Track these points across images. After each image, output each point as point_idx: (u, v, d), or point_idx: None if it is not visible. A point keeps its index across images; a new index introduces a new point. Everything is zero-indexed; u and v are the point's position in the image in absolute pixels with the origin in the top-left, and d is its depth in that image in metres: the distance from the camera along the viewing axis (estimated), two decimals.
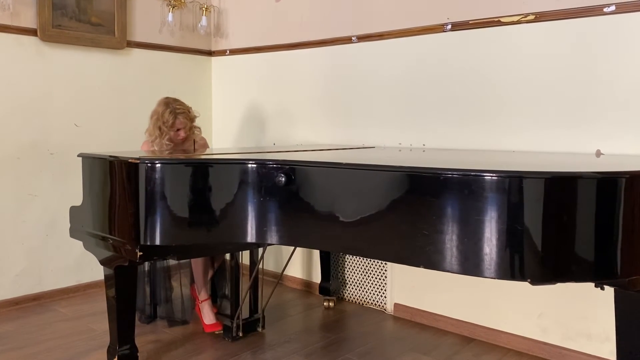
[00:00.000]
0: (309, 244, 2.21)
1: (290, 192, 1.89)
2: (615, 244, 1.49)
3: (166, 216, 2.01)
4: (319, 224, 1.85)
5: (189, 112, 2.83)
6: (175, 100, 2.82)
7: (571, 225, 1.48)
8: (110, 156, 2.17)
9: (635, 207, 1.52)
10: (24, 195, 3.23)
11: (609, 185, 1.50)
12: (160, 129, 2.75)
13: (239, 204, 1.96)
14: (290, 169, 1.88)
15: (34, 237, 3.28)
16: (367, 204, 1.73)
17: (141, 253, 2.04)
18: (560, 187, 1.49)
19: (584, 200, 1.48)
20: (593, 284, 1.75)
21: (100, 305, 3.15)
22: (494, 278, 1.53)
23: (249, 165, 1.96)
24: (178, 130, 2.79)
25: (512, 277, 1.52)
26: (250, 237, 1.95)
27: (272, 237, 1.92)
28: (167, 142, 2.77)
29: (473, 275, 1.55)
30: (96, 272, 3.39)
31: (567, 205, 1.48)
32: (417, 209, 1.63)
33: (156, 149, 2.78)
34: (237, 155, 2.46)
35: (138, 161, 2.01)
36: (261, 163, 1.96)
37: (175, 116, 2.75)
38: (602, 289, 1.76)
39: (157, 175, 1.99)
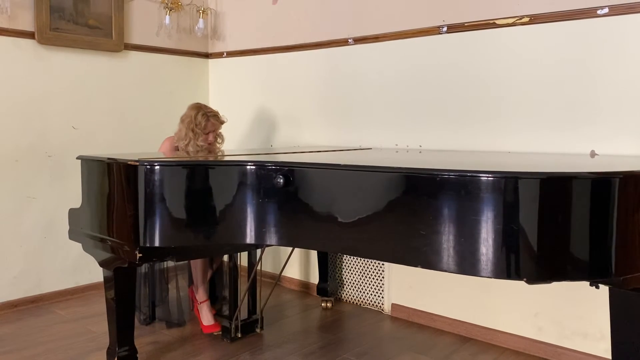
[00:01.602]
0: (307, 245, 2.22)
1: (289, 193, 1.90)
2: (609, 243, 1.51)
3: (165, 218, 2.03)
4: (318, 225, 1.87)
5: (219, 116, 2.95)
6: (206, 105, 2.96)
7: (566, 225, 1.50)
8: (110, 158, 2.18)
9: (629, 206, 1.54)
10: (22, 197, 3.23)
11: (603, 185, 1.52)
12: (193, 131, 2.85)
13: (238, 205, 1.97)
14: (289, 170, 1.90)
15: (32, 240, 3.28)
16: (365, 205, 1.75)
17: (140, 254, 2.06)
18: (556, 187, 1.51)
19: (579, 200, 1.50)
20: (588, 283, 1.78)
21: (98, 307, 3.16)
22: (491, 277, 1.55)
23: (248, 167, 1.98)
24: (208, 133, 2.89)
25: (508, 276, 1.54)
26: (250, 238, 1.96)
27: (271, 238, 1.94)
28: (201, 144, 2.86)
29: (470, 274, 1.57)
30: (94, 274, 3.40)
31: (562, 205, 1.50)
32: (414, 209, 1.65)
33: (191, 149, 2.86)
34: (235, 157, 2.48)
35: (137, 163, 2.02)
36: (260, 165, 1.98)
37: (207, 119, 2.87)
38: (597, 287, 1.79)
39: (156, 177, 2.01)
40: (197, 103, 2.96)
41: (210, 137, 2.91)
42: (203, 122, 2.85)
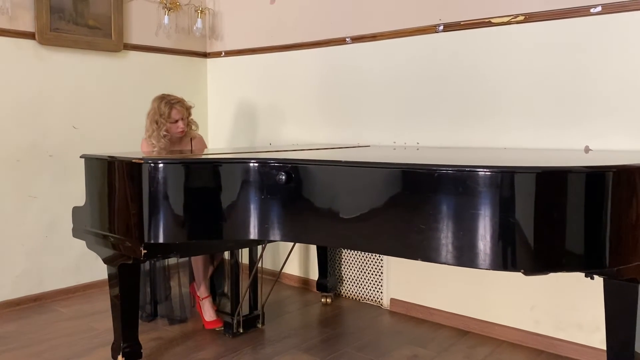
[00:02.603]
0: (309, 240, 2.26)
1: (291, 190, 1.94)
2: (603, 235, 1.56)
3: (169, 214, 2.06)
4: (319, 220, 1.90)
5: (184, 101, 2.89)
6: (168, 94, 2.89)
7: (562, 217, 1.55)
8: (113, 157, 2.21)
9: (622, 199, 1.59)
10: (23, 196, 3.26)
11: (598, 179, 1.56)
12: (157, 122, 2.81)
13: (241, 202, 2.01)
14: (293, 167, 1.93)
15: (33, 238, 3.31)
16: (366, 201, 1.79)
17: (145, 251, 2.09)
18: (551, 181, 1.55)
19: (574, 193, 1.55)
20: (583, 275, 1.82)
21: (100, 304, 3.19)
22: (489, 269, 1.59)
23: (251, 165, 2.01)
24: (176, 121, 2.83)
25: (506, 268, 1.58)
26: (253, 234, 1.99)
27: (274, 234, 1.98)
28: (165, 133, 2.81)
29: (469, 267, 1.61)
30: (96, 272, 3.44)
31: (557, 198, 1.54)
32: (413, 204, 1.69)
33: (154, 142, 2.81)
34: (237, 154, 2.51)
35: (141, 161, 2.05)
36: (262, 162, 2.01)
37: (171, 106, 2.81)
38: (592, 278, 1.84)
39: (160, 175, 2.04)
40: (161, 94, 2.89)
41: (181, 125, 2.84)
42: (167, 111, 2.79)
